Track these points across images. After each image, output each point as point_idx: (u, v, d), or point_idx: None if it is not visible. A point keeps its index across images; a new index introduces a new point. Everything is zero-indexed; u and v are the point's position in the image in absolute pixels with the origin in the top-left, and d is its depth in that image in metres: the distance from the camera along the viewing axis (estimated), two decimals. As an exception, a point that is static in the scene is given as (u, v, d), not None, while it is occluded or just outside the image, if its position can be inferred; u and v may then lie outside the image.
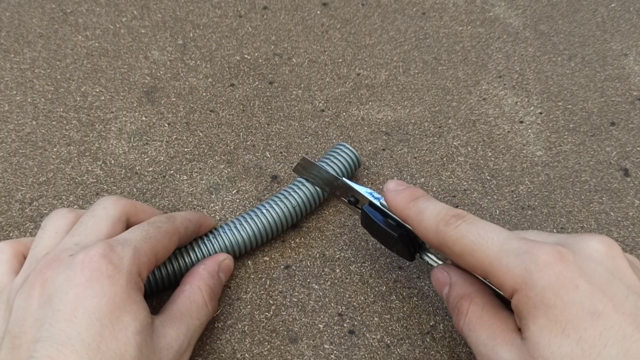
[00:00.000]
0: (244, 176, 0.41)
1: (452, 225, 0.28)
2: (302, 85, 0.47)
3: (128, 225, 0.32)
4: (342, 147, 0.39)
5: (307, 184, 0.37)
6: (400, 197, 0.31)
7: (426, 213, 0.29)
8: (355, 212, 0.35)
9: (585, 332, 0.24)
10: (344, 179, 0.34)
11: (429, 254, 0.32)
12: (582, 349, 0.23)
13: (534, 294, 0.25)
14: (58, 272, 0.27)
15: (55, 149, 0.42)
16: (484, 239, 0.27)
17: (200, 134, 0.43)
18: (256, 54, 0.48)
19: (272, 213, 0.36)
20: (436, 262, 0.32)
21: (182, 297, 0.31)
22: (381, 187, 0.40)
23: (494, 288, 0.29)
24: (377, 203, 0.32)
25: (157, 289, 0.34)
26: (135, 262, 0.28)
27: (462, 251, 0.27)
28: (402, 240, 0.31)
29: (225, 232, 0.35)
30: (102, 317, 0.26)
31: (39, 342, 0.25)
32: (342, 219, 0.39)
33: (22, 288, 0.28)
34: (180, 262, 0.34)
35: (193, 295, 0.32)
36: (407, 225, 0.31)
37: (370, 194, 0.33)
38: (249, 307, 0.35)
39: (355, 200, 0.34)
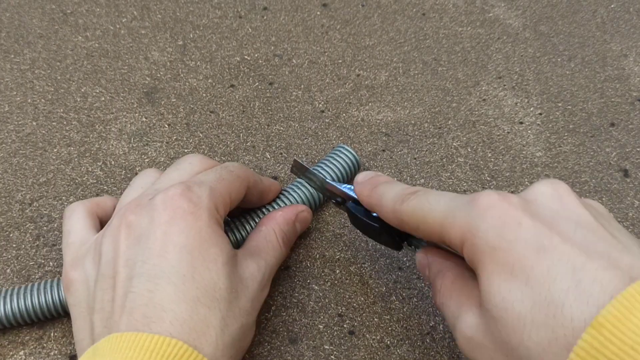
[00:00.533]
0: (244, 177, 0.41)
1: (406, 202, 0.28)
2: (302, 86, 0.47)
3: None
4: (341, 149, 0.39)
5: (306, 184, 0.37)
6: (364, 187, 0.31)
7: (385, 197, 0.29)
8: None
9: (532, 270, 0.22)
10: (327, 180, 0.34)
11: (414, 240, 0.32)
12: (532, 288, 0.22)
13: (478, 239, 0.24)
14: (141, 215, 0.28)
15: (55, 150, 0.42)
16: (432, 205, 0.26)
17: (201, 135, 0.43)
18: (256, 55, 0.48)
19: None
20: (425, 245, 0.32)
21: (259, 236, 0.33)
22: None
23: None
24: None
25: None
26: (213, 199, 0.29)
27: (417, 223, 0.27)
28: (385, 231, 0.31)
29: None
30: (192, 249, 0.27)
31: (134, 279, 0.26)
32: (342, 220, 0.39)
33: (107, 232, 0.29)
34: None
35: (269, 236, 0.33)
36: None
37: (352, 189, 0.33)
38: (249, 307, 0.35)
39: (343, 200, 0.34)
